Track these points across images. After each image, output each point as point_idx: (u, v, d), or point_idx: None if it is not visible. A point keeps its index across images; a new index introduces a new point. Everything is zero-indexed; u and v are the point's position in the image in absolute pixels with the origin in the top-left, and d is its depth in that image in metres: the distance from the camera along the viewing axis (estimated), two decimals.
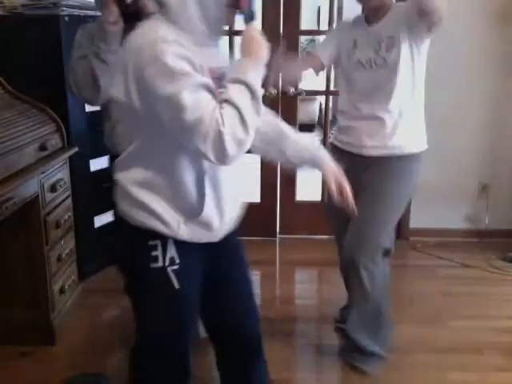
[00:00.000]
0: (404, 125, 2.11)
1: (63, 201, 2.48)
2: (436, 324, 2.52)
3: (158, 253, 1.34)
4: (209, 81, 1.19)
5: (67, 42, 2.52)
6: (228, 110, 1.16)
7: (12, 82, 2.45)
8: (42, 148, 2.30)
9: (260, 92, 1.20)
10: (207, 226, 1.35)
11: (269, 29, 3.24)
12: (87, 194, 2.85)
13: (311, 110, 6.62)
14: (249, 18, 1.29)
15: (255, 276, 3.04)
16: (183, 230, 1.32)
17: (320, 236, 3.56)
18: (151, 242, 1.33)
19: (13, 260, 2.30)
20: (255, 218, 3.28)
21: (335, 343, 2.41)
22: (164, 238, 1.33)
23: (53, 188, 2.35)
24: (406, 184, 2.16)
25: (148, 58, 1.16)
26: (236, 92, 1.18)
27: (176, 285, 1.35)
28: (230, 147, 1.15)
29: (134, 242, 1.37)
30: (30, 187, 2.14)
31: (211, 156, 1.17)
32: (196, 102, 1.14)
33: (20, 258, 2.29)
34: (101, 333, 2.45)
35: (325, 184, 1.57)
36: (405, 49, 2.03)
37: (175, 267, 1.35)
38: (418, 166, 2.16)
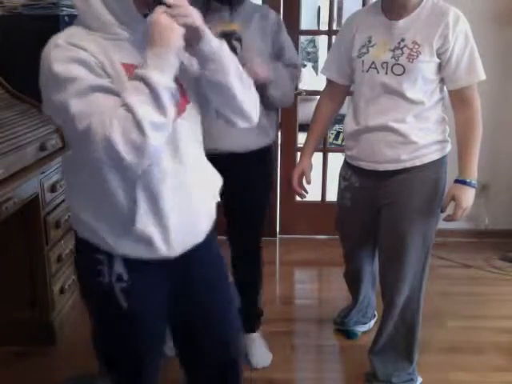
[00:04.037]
0: (420, 133, 1.84)
1: (63, 201, 2.48)
2: (436, 324, 2.51)
3: (104, 267, 1.27)
4: (103, 81, 1.10)
5: None
6: (120, 112, 1.05)
7: (12, 82, 2.45)
8: (42, 148, 2.30)
9: (161, 84, 1.05)
10: (147, 241, 1.23)
11: None
12: None
13: (311, 109, 6.59)
14: (157, 2, 1.13)
15: None
16: (120, 245, 1.24)
17: (320, 236, 3.56)
18: (97, 256, 1.28)
19: (13, 260, 2.30)
20: None
21: (335, 343, 2.41)
22: (110, 253, 1.27)
23: (53, 188, 2.34)
24: (432, 196, 1.88)
25: (42, 68, 1.14)
26: (131, 90, 1.06)
27: (124, 304, 1.28)
28: (124, 152, 1.04)
29: (83, 255, 1.34)
30: (29, 187, 2.14)
31: (107, 163, 1.07)
32: (84, 108, 1.06)
33: (20, 258, 2.29)
34: None
35: None
36: (429, 64, 1.77)
37: (123, 284, 1.27)
38: (441, 173, 1.90)
